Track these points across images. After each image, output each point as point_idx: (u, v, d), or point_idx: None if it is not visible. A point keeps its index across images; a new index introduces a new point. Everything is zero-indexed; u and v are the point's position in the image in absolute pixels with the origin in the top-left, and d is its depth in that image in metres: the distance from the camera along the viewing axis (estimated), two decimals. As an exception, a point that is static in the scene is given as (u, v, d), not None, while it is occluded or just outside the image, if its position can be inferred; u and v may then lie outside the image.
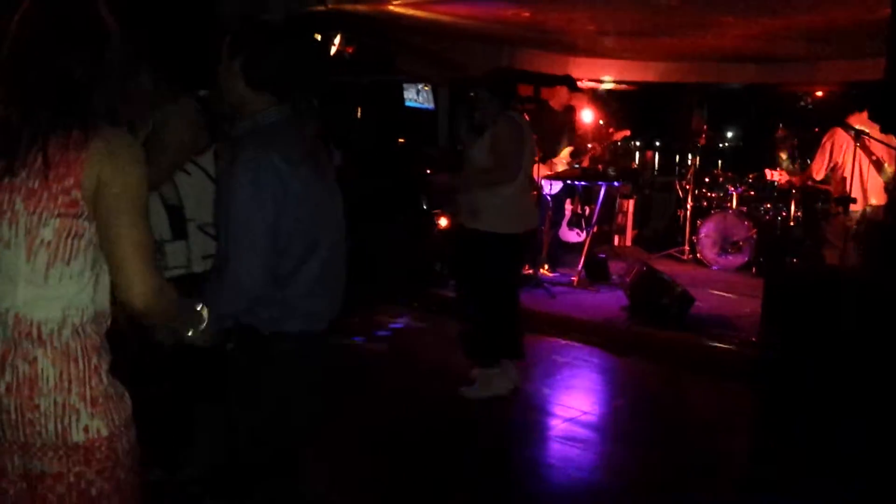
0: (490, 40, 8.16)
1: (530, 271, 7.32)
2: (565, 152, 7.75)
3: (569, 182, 7.86)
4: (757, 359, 5.19)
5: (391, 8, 6.56)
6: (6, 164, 1.69)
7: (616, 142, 9.15)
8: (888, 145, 5.86)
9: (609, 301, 6.95)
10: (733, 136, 12.37)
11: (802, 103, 10.95)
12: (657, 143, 11.59)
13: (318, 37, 7.08)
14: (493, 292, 4.90)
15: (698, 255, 8.76)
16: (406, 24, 7.21)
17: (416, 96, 9.96)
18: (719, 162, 10.51)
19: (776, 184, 8.21)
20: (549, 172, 7.50)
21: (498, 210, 4.72)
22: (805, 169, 7.23)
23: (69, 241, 1.72)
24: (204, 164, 3.25)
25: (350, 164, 6.90)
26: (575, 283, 7.49)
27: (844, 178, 6.14)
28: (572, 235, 8.38)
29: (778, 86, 10.09)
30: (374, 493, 3.76)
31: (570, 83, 7.91)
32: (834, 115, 6.83)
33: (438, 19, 7.04)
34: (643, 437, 4.58)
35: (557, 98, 7.90)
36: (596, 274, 7.62)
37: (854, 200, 6.03)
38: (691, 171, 9.24)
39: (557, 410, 4.92)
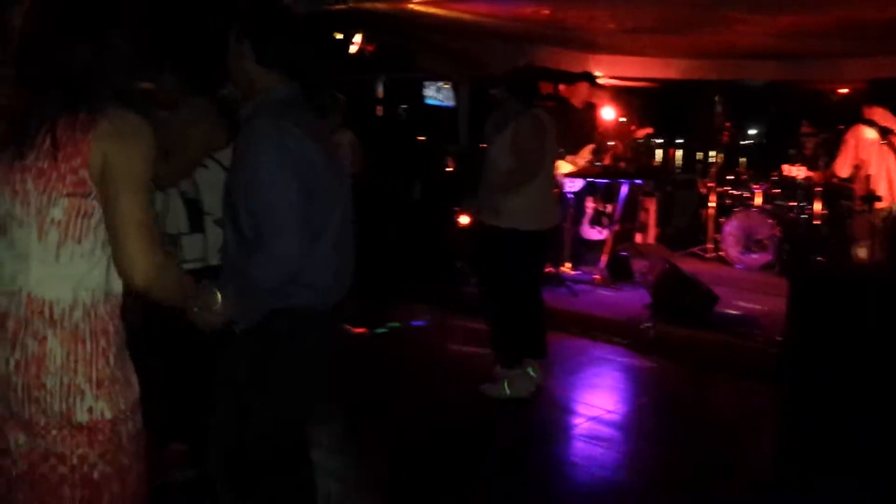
0: (510, 38, 8.14)
1: (552, 269, 7.30)
2: (586, 150, 7.71)
3: (590, 180, 7.82)
4: (780, 358, 5.15)
5: (411, 6, 6.57)
6: (16, 148, 1.74)
7: (638, 139, 9.10)
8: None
9: (632, 299, 6.91)
10: (756, 134, 12.28)
11: (826, 100, 10.83)
12: (679, 141, 11.52)
13: (339, 35, 7.11)
14: (514, 290, 4.88)
15: (721, 253, 8.69)
16: (426, 22, 7.21)
17: (437, 94, 9.98)
18: (742, 159, 10.43)
19: (797, 180, 8.14)
20: (570, 170, 7.47)
21: (519, 207, 4.70)
22: (829, 166, 7.16)
23: (79, 220, 1.76)
24: (222, 160, 3.30)
25: (371, 161, 6.90)
26: (597, 282, 7.46)
27: (869, 176, 6.07)
28: (594, 233, 8.34)
29: (801, 83, 10.00)
30: (393, 489, 3.75)
31: (590, 80, 7.87)
32: (857, 112, 6.77)
33: (458, 17, 7.04)
34: (666, 436, 4.55)
35: (578, 95, 7.86)
36: (618, 272, 7.58)
37: (879, 198, 5.96)
38: (714, 168, 9.16)
39: (580, 409, 4.90)
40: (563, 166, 7.11)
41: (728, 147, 9.70)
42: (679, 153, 11.61)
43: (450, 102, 9.78)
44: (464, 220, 7.56)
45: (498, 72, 6.03)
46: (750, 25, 6.89)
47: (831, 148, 7.50)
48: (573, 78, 8.03)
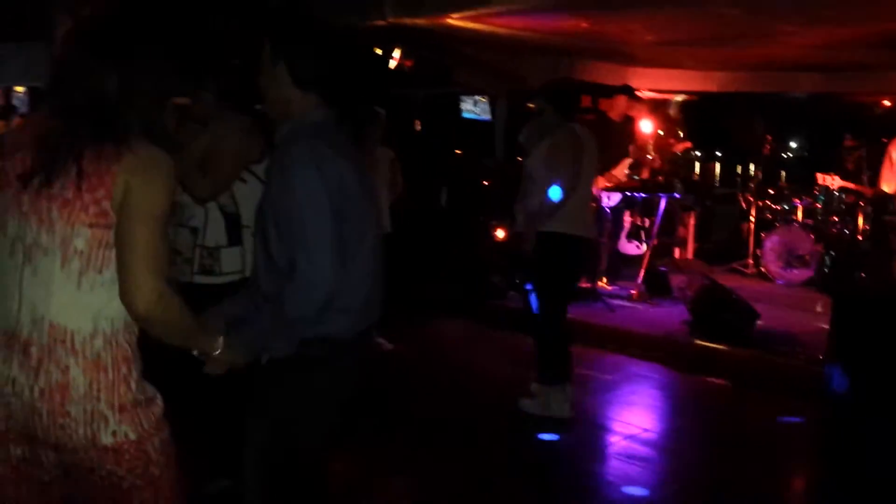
0: (548, 51, 8.14)
1: (589, 284, 7.25)
2: (624, 164, 7.67)
3: (628, 194, 7.76)
4: (823, 376, 5.05)
5: (450, 21, 6.60)
6: (45, 176, 1.78)
7: (677, 153, 9.02)
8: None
9: (670, 315, 6.84)
10: (797, 147, 12.10)
11: (870, 113, 10.65)
12: (718, 154, 11.39)
13: (379, 51, 7.16)
14: (552, 300, 4.82)
15: (762, 268, 8.57)
16: (464, 36, 7.24)
17: (474, 107, 10.01)
18: (782, 173, 10.29)
19: (830, 189, 8.02)
20: (608, 184, 7.43)
21: (559, 213, 4.67)
22: (872, 181, 7.05)
23: (101, 250, 1.80)
24: (259, 173, 3.35)
25: (408, 175, 6.93)
26: (634, 297, 7.39)
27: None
28: (631, 248, 8.26)
29: (843, 95, 9.85)
30: (423, 499, 3.77)
31: (629, 93, 7.83)
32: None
33: (496, 32, 7.06)
34: (703, 457, 4.48)
35: (616, 108, 7.83)
36: (656, 287, 7.51)
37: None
38: (755, 182, 9.05)
39: (616, 427, 4.85)
40: (601, 181, 7.07)
41: (768, 160, 9.57)
42: (718, 167, 11.48)
43: (486, 116, 9.78)
44: (500, 233, 7.56)
45: (536, 85, 6.02)
46: (792, 37, 6.81)
47: (874, 161, 7.38)
48: (612, 91, 8.00)
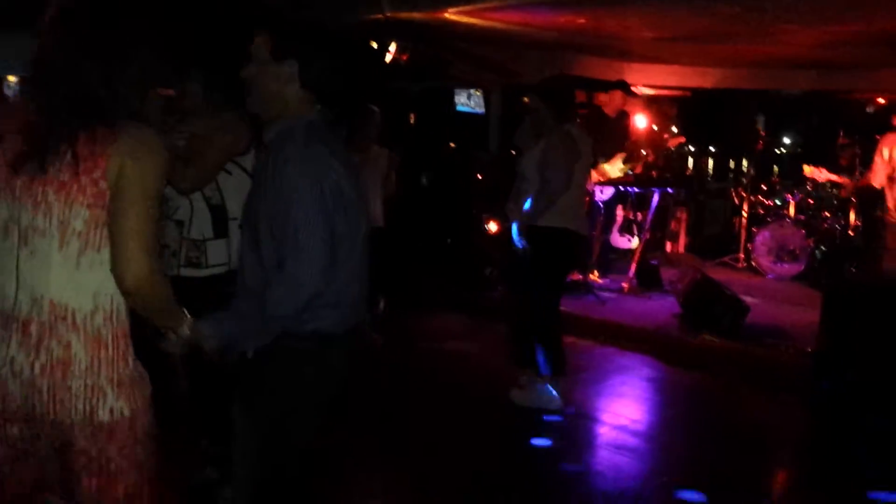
0: (544, 46, 8.16)
1: (580, 277, 7.31)
2: (617, 158, 7.71)
3: (621, 188, 7.81)
4: (812, 370, 5.12)
5: (446, 16, 6.62)
6: (38, 162, 1.83)
7: (670, 148, 9.07)
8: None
9: (661, 308, 6.90)
10: (791, 143, 12.16)
11: (865, 110, 10.70)
12: (712, 149, 11.45)
13: (374, 44, 7.18)
14: (544, 292, 4.87)
15: (753, 263, 8.64)
16: (461, 31, 7.26)
17: (468, 101, 10.02)
18: (775, 168, 10.35)
19: (817, 182, 8.09)
20: (601, 179, 7.47)
21: (553, 209, 4.71)
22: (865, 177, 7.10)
23: (98, 229, 1.85)
24: (245, 165, 3.35)
25: (403, 168, 6.96)
26: (626, 290, 7.45)
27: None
28: (623, 241, 8.32)
29: (838, 92, 9.89)
30: (416, 493, 3.81)
31: (624, 89, 7.86)
32: (890, 122, 6.71)
33: (493, 26, 7.08)
34: (692, 448, 4.54)
35: (612, 104, 7.86)
36: (647, 281, 7.57)
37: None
38: (748, 177, 9.11)
39: (606, 418, 4.91)
40: (594, 175, 7.11)
41: (762, 156, 9.62)
42: (711, 162, 11.54)
43: (480, 109, 9.80)
44: (492, 227, 7.60)
45: (532, 80, 6.04)
46: (789, 35, 6.84)
47: (868, 159, 7.44)
48: (608, 87, 8.03)
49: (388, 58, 7.26)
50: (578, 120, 5.35)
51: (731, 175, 10.66)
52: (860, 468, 4.21)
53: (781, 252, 8.35)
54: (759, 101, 10.13)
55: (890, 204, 6.41)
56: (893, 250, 6.13)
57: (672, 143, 8.76)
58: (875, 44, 7.04)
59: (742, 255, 8.90)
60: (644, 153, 8.10)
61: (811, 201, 8.57)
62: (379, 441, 4.32)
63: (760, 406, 5.18)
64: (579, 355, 5.80)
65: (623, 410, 5.03)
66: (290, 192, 2.21)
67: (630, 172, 7.70)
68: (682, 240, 9.65)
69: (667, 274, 7.69)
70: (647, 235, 8.04)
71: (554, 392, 4.83)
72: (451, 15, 6.60)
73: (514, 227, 4.81)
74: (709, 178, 11.25)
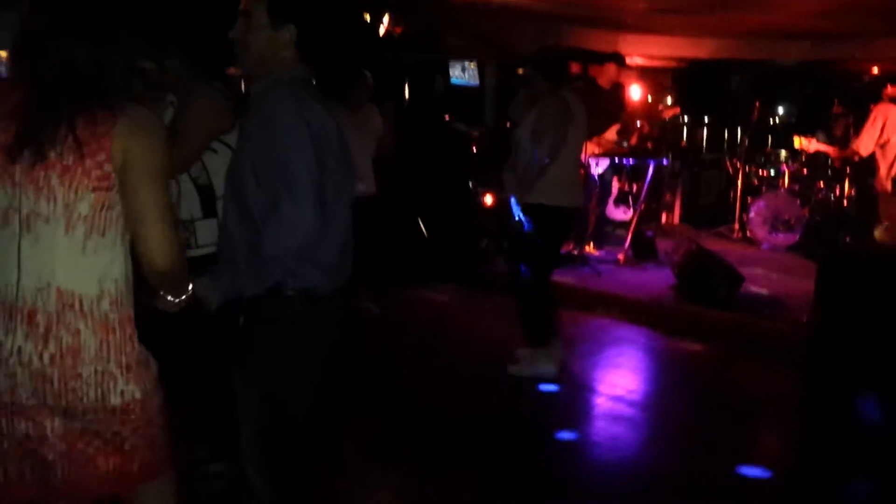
0: (538, 18, 8.11)
1: (576, 249, 7.32)
2: (612, 130, 7.70)
3: (616, 160, 7.81)
4: (806, 339, 5.15)
5: (442, -13, 6.57)
6: (37, 147, 1.80)
7: (665, 119, 9.06)
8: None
9: (656, 279, 6.92)
10: (786, 113, 12.13)
11: (858, 81, 10.68)
12: (706, 120, 11.43)
13: (367, 16, 7.13)
14: (537, 266, 4.90)
15: (748, 233, 8.66)
16: (455, 3, 7.20)
17: (462, 73, 9.97)
18: (770, 138, 10.34)
19: (803, 151, 8.12)
20: (596, 150, 7.47)
21: (545, 183, 4.72)
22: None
23: (103, 213, 1.85)
24: (230, 143, 3.29)
25: (396, 140, 6.94)
26: (621, 261, 7.47)
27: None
28: (619, 213, 8.34)
29: (833, 62, 9.86)
30: (411, 464, 3.83)
31: (618, 60, 7.83)
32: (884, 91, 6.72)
33: (488, -2, 7.03)
34: (687, 418, 4.58)
35: (606, 76, 7.83)
36: (643, 252, 7.59)
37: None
38: (742, 148, 9.11)
39: (602, 388, 4.94)
40: (590, 147, 7.11)
41: (757, 126, 9.61)
42: (706, 132, 11.52)
43: (475, 82, 9.75)
44: (488, 199, 7.60)
45: (526, 52, 6.01)
46: (783, 5, 6.81)
47: (861, 128, 7.44)
48: (602, 58, 7.99)
49: (382, 30, 7.20)
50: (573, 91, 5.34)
51: (726, 145, 10.64)
52: (852, 435, 4.24)
53: (776, 222, 8.37)
54: (753, 71, 10.09)
55: (882, 173, 6.43)
56: (885, 220, 6.15)
57: (667, 114, 8.75)
58: (869, 13, 7.01)
59: (737, 226, 8.92)
60: (639, 124, 8.09)
61: (805, 171, 8.58)
62: (377, 421, 4.28)
63: (755, 375, 5.22)
64: (576, 327, 5.83)
65: (619, 381, 5.07)
66: (278, 137, 2.21)
67: (625, 144, 7.69)
68: (677, 211, 9.67)
69: (662, 245, 7.70)
70: (643, 207, 8.06)
71: (550, 359, 4.87)
72: (446, -13, 6.56)
73: (512, 200, 4.83)
74: (703, 149, 11.24)
